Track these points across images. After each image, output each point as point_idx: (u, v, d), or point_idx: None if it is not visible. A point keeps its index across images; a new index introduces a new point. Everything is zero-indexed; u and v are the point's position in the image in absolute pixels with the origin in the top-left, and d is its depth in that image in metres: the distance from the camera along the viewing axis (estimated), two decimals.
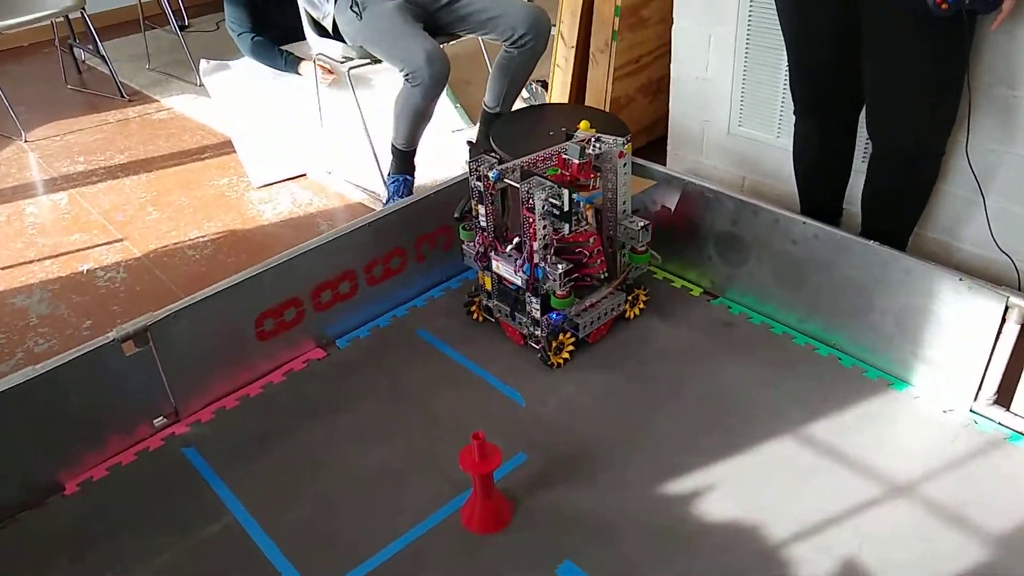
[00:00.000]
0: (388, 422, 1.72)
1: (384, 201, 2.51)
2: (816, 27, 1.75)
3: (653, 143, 2.84)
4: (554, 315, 1.79)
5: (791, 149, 2.13)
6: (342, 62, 2.55)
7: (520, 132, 2.24)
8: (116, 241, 2.52)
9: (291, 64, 3.40)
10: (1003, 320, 1.56)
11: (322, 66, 3.26)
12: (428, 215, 2.06)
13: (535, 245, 1.69)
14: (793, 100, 1.94)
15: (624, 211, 1.84)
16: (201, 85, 3.70)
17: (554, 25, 2.60)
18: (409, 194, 2.51)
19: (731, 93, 2.30)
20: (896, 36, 1.64)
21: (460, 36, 2.52)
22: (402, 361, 1.90)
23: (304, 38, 3.28)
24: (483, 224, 1.82)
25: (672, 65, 2.42)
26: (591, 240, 1.76)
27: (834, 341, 1.85)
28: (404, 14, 2.29)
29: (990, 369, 1.62)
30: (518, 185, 1.69)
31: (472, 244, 1.89)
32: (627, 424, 1.67)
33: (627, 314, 1.95)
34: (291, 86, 3.40)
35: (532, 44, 2.34)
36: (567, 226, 1.67)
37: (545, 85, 2.98)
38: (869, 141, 1.84)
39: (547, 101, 2.89)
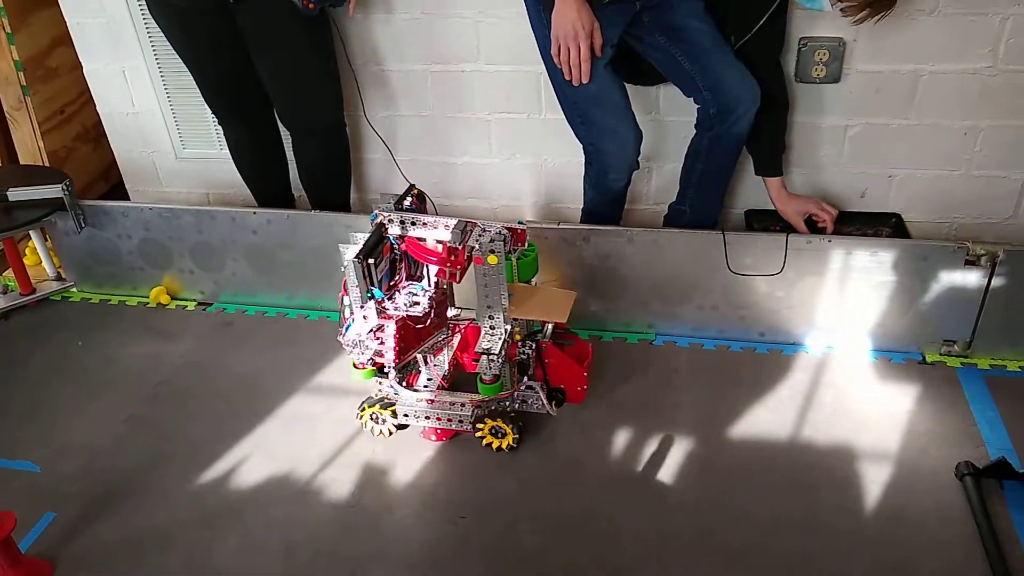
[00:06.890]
0: None
1: None
2: (201, 42, 1.93)
3: (117, 186, 2.80)
4: None
5: None
6: None
7: None
8: None
9: None
10: None
11: None
12: None
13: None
14: (212, 112, 2.12)
15: None
16: None
17: None
18: None
19: (165, 121, 2.40)
20: (276, 36, 1.91)
21: None
22: None
23: None
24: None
25: (98, 107, 2.42)
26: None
27: (320, 305, 2.11)
28: None
29: None
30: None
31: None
32: (156, 445, 1.74)
33: None
34: None
35: None
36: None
37: None
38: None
39: None
